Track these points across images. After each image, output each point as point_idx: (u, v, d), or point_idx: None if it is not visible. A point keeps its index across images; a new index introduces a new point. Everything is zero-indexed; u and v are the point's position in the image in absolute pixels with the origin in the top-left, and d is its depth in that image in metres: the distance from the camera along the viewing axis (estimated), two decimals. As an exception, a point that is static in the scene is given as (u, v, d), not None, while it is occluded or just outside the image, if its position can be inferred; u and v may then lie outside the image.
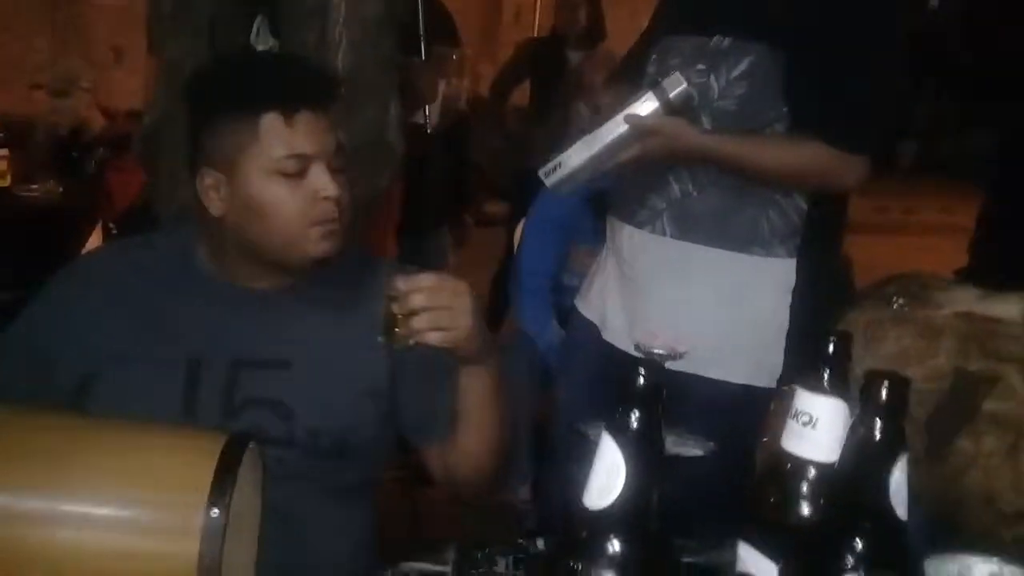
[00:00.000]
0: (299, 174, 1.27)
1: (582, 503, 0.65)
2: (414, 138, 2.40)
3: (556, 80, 3.61)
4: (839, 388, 0.75)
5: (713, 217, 1.64)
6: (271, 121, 1.26)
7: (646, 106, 1.52)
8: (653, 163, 1.58)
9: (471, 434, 1.30)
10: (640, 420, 0.62)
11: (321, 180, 1.27)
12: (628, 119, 1.51)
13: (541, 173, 1.56)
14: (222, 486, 1.02)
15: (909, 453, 0.68)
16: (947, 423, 1.38)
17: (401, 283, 1.18)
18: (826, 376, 0.76)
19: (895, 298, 1.60)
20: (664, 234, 1.67)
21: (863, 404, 0.66)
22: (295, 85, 1.30)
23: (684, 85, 1.51)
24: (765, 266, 1.63)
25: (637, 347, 1.48)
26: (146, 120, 2.05)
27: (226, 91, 1.31)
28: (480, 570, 1.11)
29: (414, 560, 1.13)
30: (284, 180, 1.27)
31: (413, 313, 1.17)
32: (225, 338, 1.30)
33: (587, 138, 1.54)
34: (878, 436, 0.64)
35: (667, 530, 0.66)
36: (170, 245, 1.39)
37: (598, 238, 2.04)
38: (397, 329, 1.19)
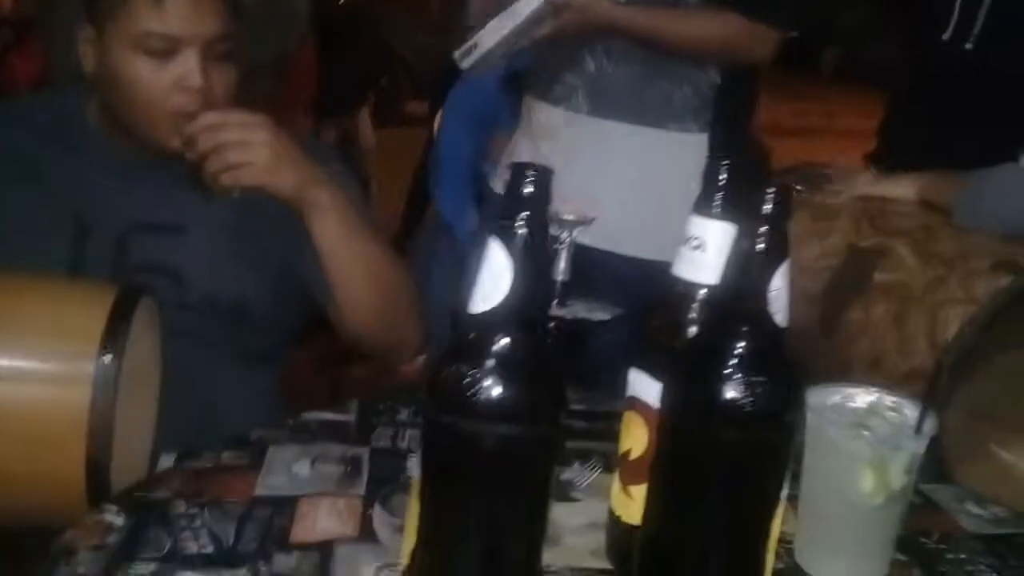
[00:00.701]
0: (165, 55, 1.20)
1: (468, 311, 0.65)
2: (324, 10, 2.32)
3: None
4: (728, 212, 0.76)
5: (627, 92, 1.65)
6: None
7: None
8: (567, 38, 1.57)
9: (340, 287, 1.27)
10: (527, 223, 0.63)
11: (186, 67, 1.20)
12: None
13: (456, 55, 1.55)
14: (114, 333, 1.01)
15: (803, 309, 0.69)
16: (840, 295, 1.43)
17: (186, 127, 1.14)
18: (716, 200, 0.77)
19: (795, 185, 1.65)
20: (580, 111, 1.68)
21: (747, 215, 0.67)
22: None
23: None
24: (679, 141, 1.65)
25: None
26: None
27: None
28: (382, 418, 1.12)
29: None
30: (147, 58, 1.20)
31: (205, 154, 1.14)
32: (116, 201, 1.26)
33: (501, 15, 1.53)
34: (760, 245, 0.65)
35: (549, 337, 0.66)
36: (60, 103, 1.33)
37: (516, 124, 2.02)
38: (201, 175, 1.15)
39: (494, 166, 2.52)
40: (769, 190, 0.65)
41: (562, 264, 1.49)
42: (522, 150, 1.84)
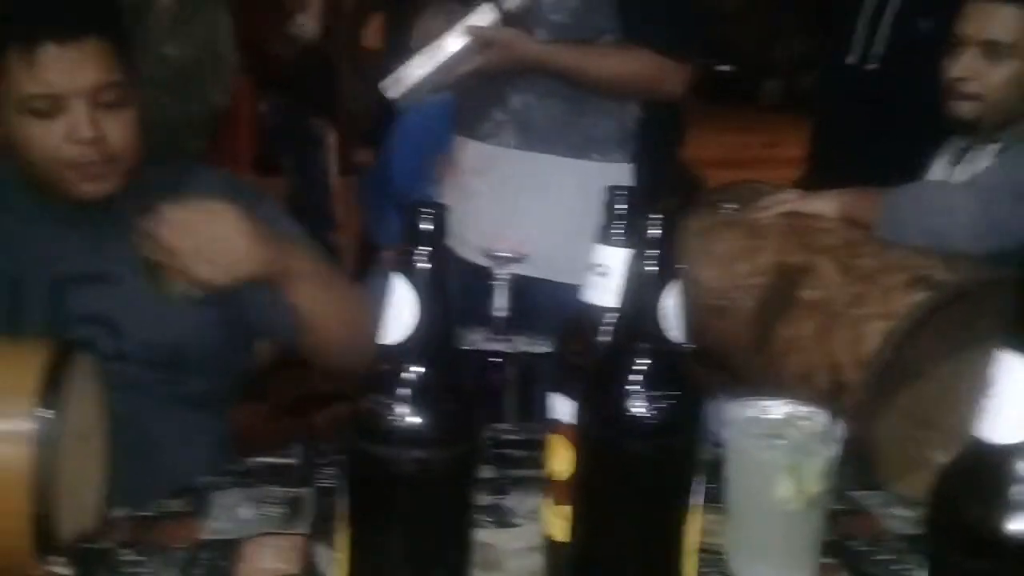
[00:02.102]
0: (52, 113, 1.19)
1: (379, 343, 0.69)
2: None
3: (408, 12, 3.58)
4: (628, 239, 0.80)
5: (553, 126, 1.72)
6: (15, 56, 1.18)
7: (484, 17, 1.57)
8: (492, 74, 1.63)
9: (315, 333, 1.28)
10: (427, 257, 0.67)
11: (74, 121, 1.19)
12: (468, 30, 1.56)
13: (382, 85, 1.60)
14: (51, 388, 1.02)
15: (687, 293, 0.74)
16: (769, 312, 1.49)
17: (150, 223, 1.11)
18: (616, 229, 0.81)
19: (726, 204, 1.71)
20: (508, 145, 1.73)
21: (637, 242, 0.72)
22: (34, 16, 1.20)
23: None
24: (604, 171, 1.71)
25: (482, 251, 1.53)
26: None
27: None
28: (327, 459, 1.14)
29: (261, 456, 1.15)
30: (36, 119, 1.19)
31: (173, 254, 1.11)
32: (49, 254, 1.28)
33: (427, 49, 1.59)
34: (650, 267, 0.70)
35: (459, 363, 0.70)
36: None
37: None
38: (162, 274, 1.11)
39: (437, 187, 2.57)
40: (653, 215, 0.69)
41: (500, 300, 1.54)
42: (454, 187, 1.89)
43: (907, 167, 1.75)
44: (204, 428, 1.35)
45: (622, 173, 1.73)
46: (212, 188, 1.29)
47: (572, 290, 1.70)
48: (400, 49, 1.89)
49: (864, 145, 1.97)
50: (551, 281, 1.69)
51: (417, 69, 1.60)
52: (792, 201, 1.69)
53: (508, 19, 1.60)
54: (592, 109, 1.71)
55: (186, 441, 1.31)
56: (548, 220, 1.72)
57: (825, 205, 1.65)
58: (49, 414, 1.01)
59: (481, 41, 1.59)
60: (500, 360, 1.55)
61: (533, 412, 1.66)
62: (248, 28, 2.35)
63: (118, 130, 1.23)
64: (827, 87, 2.26)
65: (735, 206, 1.73)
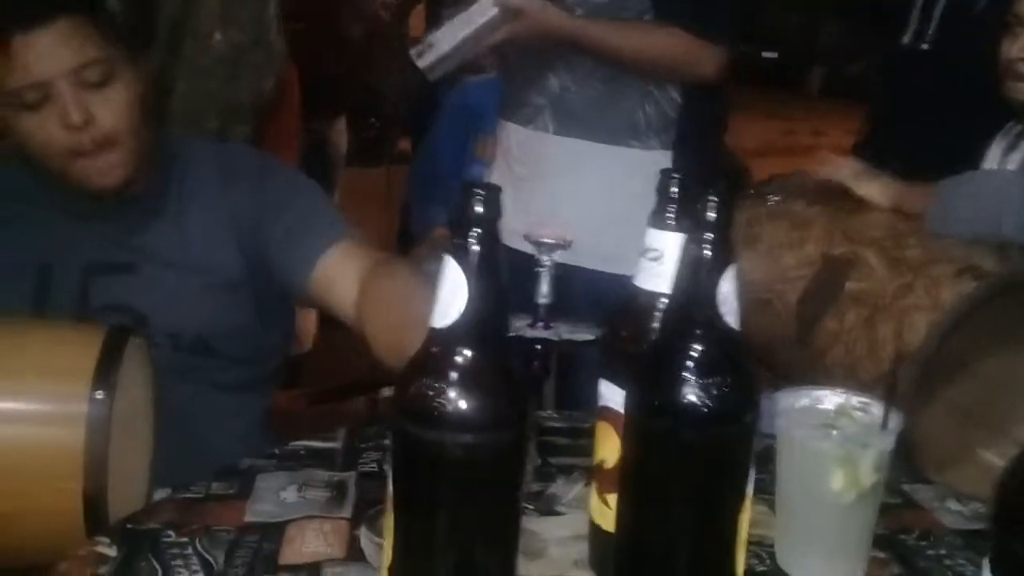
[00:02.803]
0: (41, 103, 1.17)
1: (430, 326, 0.68)
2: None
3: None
4: (681, 224, 0.79)
5: (591, 111, 1.70)
6: None
7: None
8: (521, 46, 1.62)
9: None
10: (479, 239, 0.65)
11: (62, 106, 1.17)
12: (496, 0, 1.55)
13: (412, 53, 1.60)
14: (105, 371, 1.03)
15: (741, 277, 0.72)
16: (814, 304, 1.46)
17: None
18: (669, 213, 0.80)
19: (771, 196, 1.68)
20: (547, 130, 1.72)
21: (693, 225, 0.70)
22: (4, 10, 1.18)
23: None
24: (642, 159, 1.69)
25: (526, 237, 1.52)
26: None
27: None
28: (368, 443, 1.14)
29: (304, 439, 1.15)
30: (28, 113, 1.18)
31: None
32: (75, 245, 1.29)
33: (457, 19, 1.58)
34: (706, 251, 0.68)
35: (510, 347, 0.69)
36: (15, 163, 1.36)
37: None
38: None
39: (482, 166, 2.57)
40: (710, 199, 0.68)
41: (544, 287, 1.52)
42: (497, 171, 1.88)
43: (964, 152, 1.71)
44: (244, 413, 1.36)
45: (661, 161, 1.70)
46: (243, 169, 1.29)
47: (611, 278, 1.72)
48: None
49: (919, 130, 1.93)
50: (590, 269, 1.68)
51: (446, 38, 1.59)
52: (849, 172, 1.64)
53: None
54: (630, 95, 1.69)
55: (225, 426, 1.32)
56: (586, 207, 1.71)
57: (877, 191, 1.61)
58: (102, 396, 1.01)
59: (509, 11, 1.57)
60: (542, 347, 1.53)
61: (575, 400, 1.65)
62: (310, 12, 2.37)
63: (108, 109, 1.21)
64: (880, 70, 2.22)
65: (779, 198, 1.70)
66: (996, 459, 1.40)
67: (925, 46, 1.96)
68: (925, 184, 1.62)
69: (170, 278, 1.29)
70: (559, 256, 1.49)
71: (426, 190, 2.76)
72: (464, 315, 0.65)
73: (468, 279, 0.65)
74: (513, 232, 1.88)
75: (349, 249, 1.26)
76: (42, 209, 1.31)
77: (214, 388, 1.31)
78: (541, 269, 1.51)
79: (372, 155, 3.76)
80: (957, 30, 1.93)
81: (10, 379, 1.07)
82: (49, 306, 1.27)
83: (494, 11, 1.56)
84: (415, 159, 3.06)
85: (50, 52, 1.17)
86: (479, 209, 0.65)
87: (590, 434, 0.92)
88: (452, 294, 0.66)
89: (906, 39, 1.99)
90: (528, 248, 1.54)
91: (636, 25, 1.66)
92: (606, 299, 1.79)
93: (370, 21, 3.28)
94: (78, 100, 1.18)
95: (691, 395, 0.69)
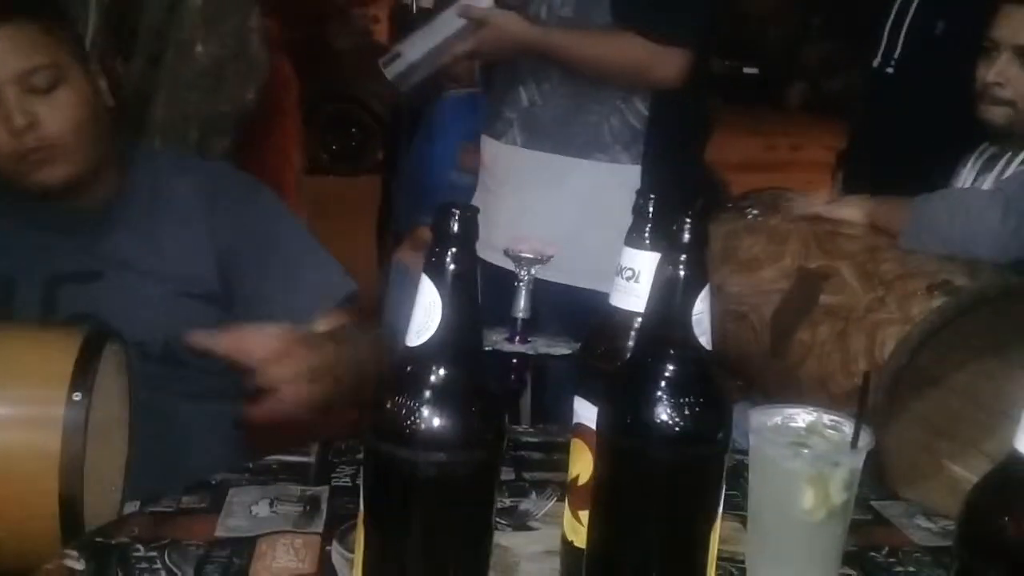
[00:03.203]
0: None
1: (404, 344, 0.68)
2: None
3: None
4: (657, 244, 0.79)
5: (557, 124, 1.71)
6: None
7: None
8: (487, 57, 1.65)
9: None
10: (455, 259, 0.66)
11: (6, 110, 1.20)
12: (461, 10, 1.56)
13: (381, 63, 1.61)
14: (83, 374, 1.03)
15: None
16: (789, 317, 1.48)
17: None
18: (646, 233, 0.80)
19: (749, 210, 1.70)
20: (515, 143, 1.73)
21: (666, 246, 0.71)
22: None
23: None
24: (609, 172, 1.70)
25: (506, 252, 1.52)
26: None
27: None
28: (343, 458, 1.14)
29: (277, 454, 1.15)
30: None
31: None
32: (38, 255, 1.29)
33: (424, 29, 1.60)
34: (681, 271, 0.69)
35: (485, 365, 0.69)
36: None
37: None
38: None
39: (460, 174, 2.59)
40: (685, 219, 0.68)
41: (522, 302, 1.53)
42: (480, 184, 1.89)
43: (934, 171, 1.74)
44: (216, 423, 1.35)
45: (630, 174, 1.71)
46: (230, 191, 1.29)
47: (584, 293, 1.73)
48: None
49: (893, 149, 1.96)
50: (563, 284, 1.68)
51: (414, 48, 1.61)
52: (820, 205, 1.68)
53: (503, 1, 1.60)
54: (596, 108, 1.70)
55: (197, 437, 1.31)
56: (555, 220, 1.72)
57: (852, 212, 1.64)
58: (80, 398, 1.01)
59: (474, 21, 1.59)
60: (519, 361, 1.54)
61: (551, 414, 1.65)
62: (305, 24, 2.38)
63: (54, 113, 1.23)
64: (858, 91, 2.26)
65: (757, 212, 1.71)
66: (964, 473, 1.42)
67: (890, 69, 2.00)
68: (899, 199, 1.64)
69: (137, 285, 1.29)
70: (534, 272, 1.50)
71: (412, 197, 2.80)
72: (438, 334, 0.66)
73: (442, 298, 0.65)
74: (488, 245, 1.90)
75: (336, 317, 1.31)
76: (4, 220, 1.31)
77: (184, 398, 1.31)
78: (519, 283, 1.51)
79: (354, 163, 3.76)
80: (922, 52, 1.96)
81: None
82: (14, 318, 1.27)
83: (461, 22, 1.58)
84: (403, 168, 3.08)
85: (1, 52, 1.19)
86: (454, 229, 0.65)
87: (564, 449, 0.92)
88: (427, 313, 0.66)
89: (876, 62, 2.02)
90: (505, 262, 1.55)
91: (595, 32, 1.68)
92: (580, 313, 1.80)
93: (359, 34, 3.30)
94: (22, 104, 1.20)
95: (664, 414, 0.69)
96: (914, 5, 2.03)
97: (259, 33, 1.87)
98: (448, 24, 1.60)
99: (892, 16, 2.05)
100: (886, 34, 2.02)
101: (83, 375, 1.03)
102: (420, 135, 2.81)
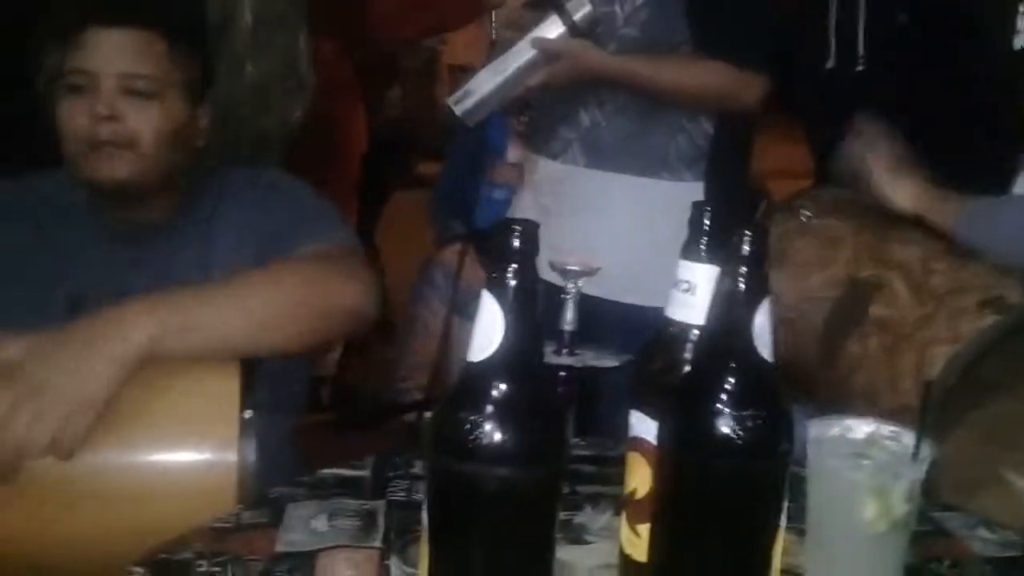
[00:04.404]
0: (86, 90, 1.27)
1: (467, 360, 0.68)
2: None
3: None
4: (714, 256, 0.79)
5: (622, 144, 1.70)
6: (68, 38, 1.28)
7: (551, 29, 1.56)
8: (561, 87, 1.62)
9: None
10: (516, 276, 0.66)
11: (99, 97, 1.27)
12: (535, 43, 1.54)
13: (450, 101, 1.59)
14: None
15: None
16: (838, 327, 1.46)
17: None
18: (702, 245, 0.80)
19: (802, 210, 1.67)
20: (576, 163, 1.72)
21: (728, 257, 0.71)
22: (88, 3, 1.30)
23: (588, 7, 1.55)
24: (674, 191, 1.69)
25: (552, 265, 1.52)
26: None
27: (40, 16, 1.33)
28: (397, 472, 1.14)
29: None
30: (71, 95, 1.28)
31: None
32: (107, 273, 1.32)
33: (495, 63, 1.57)
34: (741, 284, 0.69)
35: (547, 381, 0.69)
36: (47, 183, 1.40)
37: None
38: None
39: (500, 188, 2.60)
40: (746, 232, 0.68)
41: (569, 314, 1.52)
42: (525, 203, 1.88)
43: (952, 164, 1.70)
44: (276, 433, 1.36)
45: (694, 192, 1.71)
46: (244, 188, 1.32)
47: (639, 310, 1.72)
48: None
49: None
50: (618, 302, 1.68)
51: (484, 83, 1.59)
52: (883, 164, 1.61)
53: (576, 31, 1.57)
54: (662, 128, 1.69)
55: (261, 444, 1.31)
56: (617, 240, 1.71)
57: (906, 195, 1.57)
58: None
59: (549, 54, 1.56)
60: (567, 374, 1.53)
61: (598, 426, 1.64)
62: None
63: (139, 117, 1.29)
64: (813, 94, 2.15)
65: (811, 213, 1.68)
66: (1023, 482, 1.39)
67: (860, 68, 1.95)
68: (955, 195, 1.59)
69: None
70: (589, 288, 1.49)
71: (444, 205, 2.87)
72: (501, 349, 0.66)
73: (505, 314, 0.66)
74: (542, 264, 1.90)
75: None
76: (68, 234, 1.34)
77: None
78: (566, 296, 1.51)
79: (396, 176, 3.82)
80: (884, 46, 1.92)
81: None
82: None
83: (532, 53, 1.56)
84: (436, 186, 3.16)
85: (109, 51, 1.28)
86: (517, 245, 0.66)
87: (616, 462, 0.92)
88: (489, 328, 0.66)
89: (830, 64, 1.98)
90: (553, 277, 1.54)
91: (679, 60, 1.65)
92: (634, 329, 1.79)
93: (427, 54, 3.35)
94: (113, 98, 1.27)
95: (725, 428, 0.69)
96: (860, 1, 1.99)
97: (307, 52, 1.90)
98: (519, 56, 1.56)
99: (834, 16, 1.99)
100: (832, 36, 1.97)
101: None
102: (450, 152, 2.88)
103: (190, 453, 1.14)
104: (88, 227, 1.35)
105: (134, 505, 1.11)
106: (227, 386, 1.13)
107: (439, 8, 2.73)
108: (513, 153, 2.61)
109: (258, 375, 1.21)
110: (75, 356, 1.10)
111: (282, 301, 1.20)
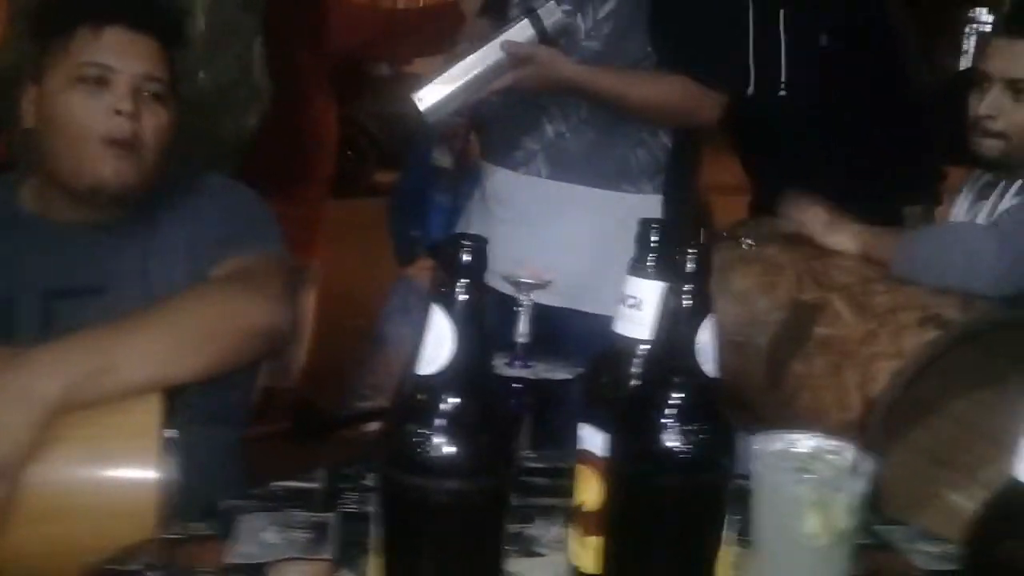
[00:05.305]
0: (99, 84, 1.28)
1: (415, 372, 0.69)
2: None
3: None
4: (660, 272, 0.81)
5: (585, 156, 1.72)
6: (83, 32, 1.29)
7: (521, 33, 1.56)
8: (525, 92, 1.62)
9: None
10: (465, 290, 0.67)
11: (118, 94, 1.28)
12: (504, 45, 1.54)
13: (414, 97, 1.58)
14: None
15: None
16: (784, 348, 1.49)
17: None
18: (649, 262, 0.82)
19: (744, 239, 1.71)
20: (539, 175, 1.73)
21: (673, 275, 0.72)
22: (112, 1, 1.32)
23: (560, 14, 1.56)
24: (635, 202, 1.71)
25: (505, 277, 1.53)
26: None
27: (51, 9, 1.35)
28: (348, 483, 1.14)
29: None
30: (83, 88, 1.28)
31: None
32: (38, 271, 1.31)
33: (461, 63, 1.57)
34: (686, 301, 0.70)
35: (495, 394, 0.70)
36: None
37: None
38: None
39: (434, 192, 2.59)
40: (690, 250, 0.70)
41: (523, 326, 1.53)
42: (475, 215, 1.89)
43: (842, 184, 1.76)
44: (213, 445, 1.35)
45: (652, 205, 1.73)
46: (185, 194, 1.34)
47: (593, 319, 1.74)
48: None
49: (794, 172, 1.97)
50: (575, 310, 1.69)
51: (450, 82, 1.58)
52: (819, 223, 1.67)
53: (545, 37, 1.58)
54: (624, 140, 1.71)
55: (194, 458, 1.30)
56: (574, 250, 1.73)
57: (845, 241, 1.64)
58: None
59: (517, 57, 1.56)
60: (520, 386, 1.54)
61: (552, 438, 1.65)
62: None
63: (151, 123, 1.31)
64: (745, 119, 2.20)
65: (752, 241, 1.72)
66: (963, 501, 1.42)
67: (782, 93, 2.01)
68: (893, 230, 1.65)
69: (138, 301, 1.29)
70: (543, 297, 1.50)
71: (400, 216, 2.88)
72: (450, 363, 0.67)
73: (454, 328, 0.67)
74: (493, 272, 1.91)
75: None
76: (9, 233, 1.33)
77: (183, 422, 1.31)
78: (519, 308, 1.52)
79: (347, 186, 3.81)
80: (807, 70, 1.97)
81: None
82: (15, 332, 1.29)
83: (499, 55, 1.56)
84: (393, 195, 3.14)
85: (130, 51, 1.30)
86: (466, 259, 0.67)
87: (568, 474, 0.93)
88: (438, 342, 0.67)
89: (751, 90, 2.03)
90: (506, 288, 1.55)
91: (643, 75, 1.68)
92: (588, 339, 1.80)
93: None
94: (132, 96, 1.29)
95: (670, 442, 0.71)
96: (781, 27, 2.04)
97: (260, 60, 1.89)
98: (487, 58, 1.55)
99: (751, 44, 2.04)
100: (752, 63, 2.02)
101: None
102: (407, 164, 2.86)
103: (112, 471, 1.13)
104: (24, 229, 1.34)
105: (58, 524, 1.10)
106: (149, 405, 1.13)
107: (407, 40, 2.74)
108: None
109: (187, 391, 1.22)
110: None
111: (192, 330, 1.20)
